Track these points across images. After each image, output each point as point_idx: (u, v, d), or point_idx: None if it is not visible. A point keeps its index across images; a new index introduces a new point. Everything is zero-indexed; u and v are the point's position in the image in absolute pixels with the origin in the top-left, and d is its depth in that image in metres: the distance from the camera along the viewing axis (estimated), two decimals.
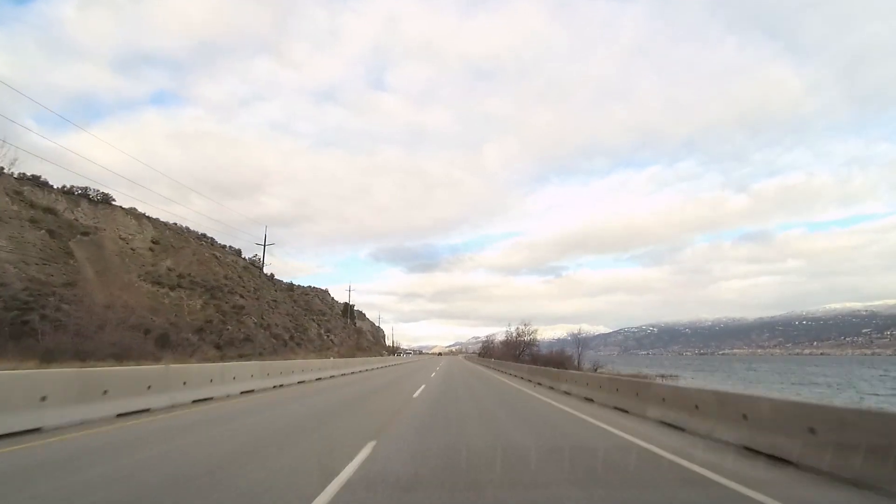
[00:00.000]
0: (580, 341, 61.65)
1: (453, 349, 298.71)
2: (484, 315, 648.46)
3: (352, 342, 72.45)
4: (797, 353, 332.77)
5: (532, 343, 65.81)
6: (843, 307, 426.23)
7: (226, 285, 48.22)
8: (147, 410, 10.04)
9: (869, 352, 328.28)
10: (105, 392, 9.24)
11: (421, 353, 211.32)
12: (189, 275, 45.96)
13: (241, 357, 39.57)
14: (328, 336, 64.05)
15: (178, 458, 6.02)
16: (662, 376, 60.19)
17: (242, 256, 61.14)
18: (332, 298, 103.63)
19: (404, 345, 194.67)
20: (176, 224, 53.04)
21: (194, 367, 14.62)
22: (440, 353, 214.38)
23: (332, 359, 39.08)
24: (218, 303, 45.31)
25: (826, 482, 5.16)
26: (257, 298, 52.51)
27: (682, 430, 8.50)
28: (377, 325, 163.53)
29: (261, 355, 42.29)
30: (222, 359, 38.44)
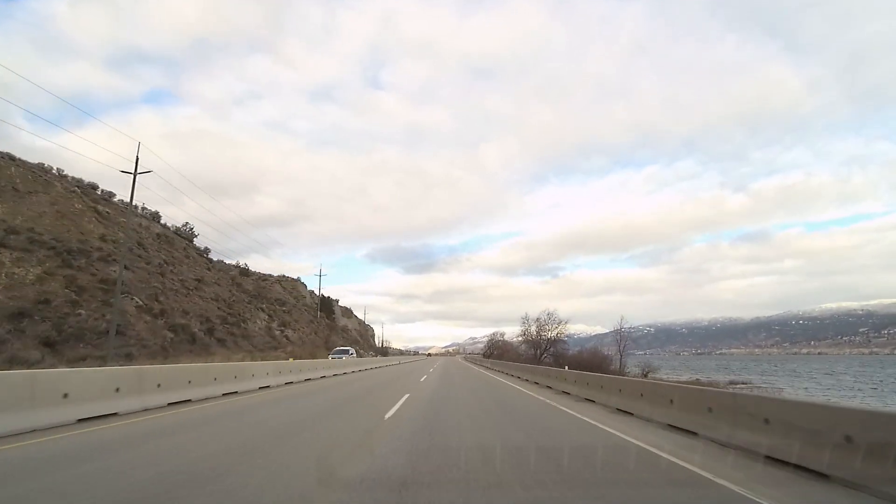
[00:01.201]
0: (622, 338, 44.09)
1: (450, 349, 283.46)
2: (481, 316, 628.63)
3: (319, 340, 54.51)
4: (794, 353, 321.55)
5: (557, 340, 48.60)
6: (840, 307, 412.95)
7: (99, 249, 30.16)
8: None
9: (867, 351, 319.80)
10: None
11: (417, 353, 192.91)
12: (31, 230, 27.98)
13: (80, 362, 21.88)
14: (282, 331, 46.04)
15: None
16: (734, 383, 43.06)
17: (160, 222, 43.38)
18: (311, 291, 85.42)
19: (397, 345, 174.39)
20: (42, 164, 35.25)
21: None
22: (429, 354, 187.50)
23: (260, 362, 22.76)
24: (73, 274, 27.30)
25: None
26: (161, 275, 34.44)
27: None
28: (366, 323, 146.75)
29: (128, 357, 24.51)
30: (51, 364, 20.99)
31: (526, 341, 52.37)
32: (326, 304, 79.34)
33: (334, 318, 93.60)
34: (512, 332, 72.49)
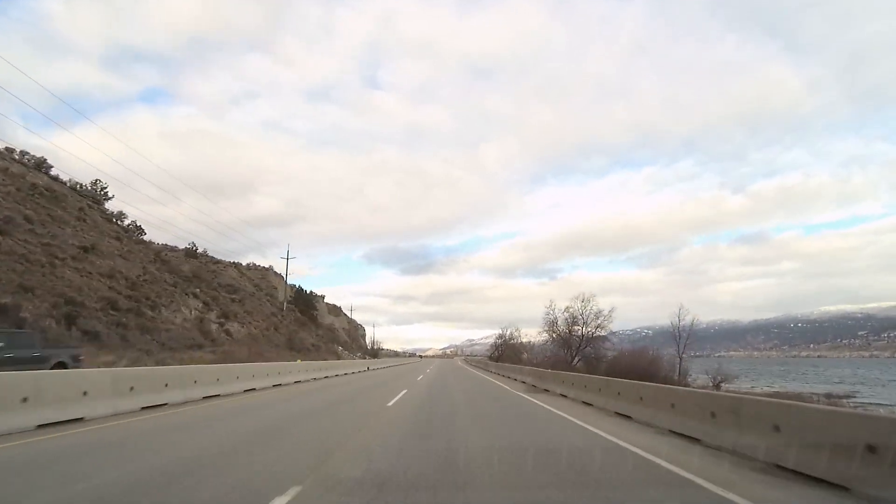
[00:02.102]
0: (682, 334, 32.36)
1: (447, 351, 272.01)
2: (478, 318, 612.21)
3: (280, 338, 42.21)
4: (794, 356, 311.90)
5: (597, 336, 36.29)
6: (838, 309, 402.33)
7: None
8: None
9: (867, 354, 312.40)
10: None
11: (413, 354, 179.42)
12: None
13: None
14: (222, 324, 33.71)
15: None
16: (833, 397, 30.84)
17: (49, 172, 31.07)
18: (293, 285, 72.82)
19: (394, 346, 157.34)
20: None
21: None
22: (421, 357, 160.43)
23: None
24: None
25: None
26: None
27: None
28: (357, 322, 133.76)
29: None
30: None
31: (553, 338, 39.52)
32: (304, 298, 66.84)
33: (316, 314, 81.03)
34: (527, 332, 59.06)
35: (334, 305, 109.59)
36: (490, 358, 62.53)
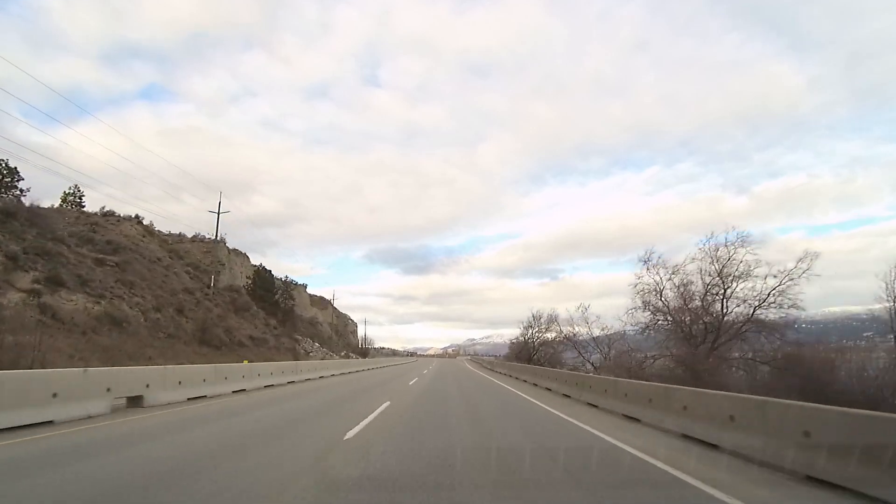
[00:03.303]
0: None
1: (449, 351, 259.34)
2: (478, 318, 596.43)
3: (189, 327, 28.30)
4: None
5: (760, 318, 20.37)
6: (843, 311, 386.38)
7: None
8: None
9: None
10: None
11: (412, 354, 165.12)
12: None
13: None
14: (38, 293, 19.42)
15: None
16: None
17: None
18: (270, 273, 58.51)
19: (395, 345, 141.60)
20: None
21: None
22: (415, 356, 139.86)
23: None
24: None
25: None
26: None
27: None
28: (350, 318, 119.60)
29: None
30: None
31: (667, 323, 22.91)
32: (264, 280, 52.40)
33: (293, 305, 66.80)
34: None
35: (320, 297, 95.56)
36: (517, 358, 43.38)
